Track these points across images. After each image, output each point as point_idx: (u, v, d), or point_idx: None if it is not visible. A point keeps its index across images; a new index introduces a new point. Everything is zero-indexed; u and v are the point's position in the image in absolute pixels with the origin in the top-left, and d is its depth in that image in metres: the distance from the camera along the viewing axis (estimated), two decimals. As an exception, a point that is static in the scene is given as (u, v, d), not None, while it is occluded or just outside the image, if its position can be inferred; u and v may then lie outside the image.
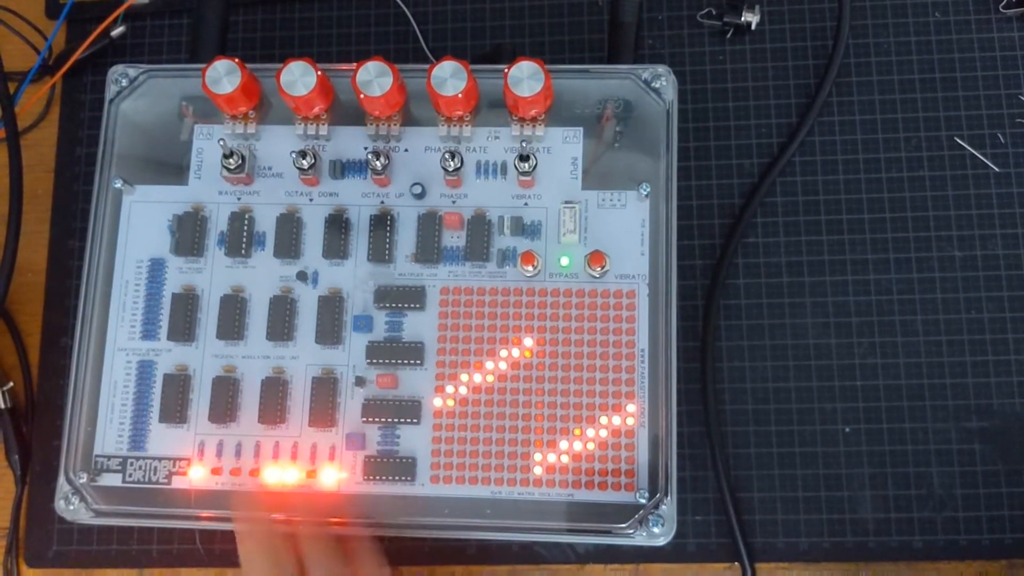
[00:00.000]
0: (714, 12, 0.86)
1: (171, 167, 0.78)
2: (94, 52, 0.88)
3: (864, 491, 0.79)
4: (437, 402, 0.74)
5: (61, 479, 0.74)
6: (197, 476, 0.74)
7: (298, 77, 0.73)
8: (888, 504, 0.79)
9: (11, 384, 0.85)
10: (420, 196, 0.77)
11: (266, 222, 0.77)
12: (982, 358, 0.81)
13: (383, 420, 0.74)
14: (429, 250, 0.76)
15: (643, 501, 0.72)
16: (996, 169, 0.84)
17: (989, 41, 0.86)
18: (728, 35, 0.87)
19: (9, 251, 0.79)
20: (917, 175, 0.84)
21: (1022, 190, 0.83)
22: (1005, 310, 0.81)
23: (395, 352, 0.75)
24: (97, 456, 0.74)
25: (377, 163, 0.75)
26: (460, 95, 0.73)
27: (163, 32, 0.91)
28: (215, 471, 0.74)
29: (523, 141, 0.77)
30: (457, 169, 0.75)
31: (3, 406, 0.84)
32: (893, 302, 0.82)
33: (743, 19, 0.85)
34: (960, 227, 0.83)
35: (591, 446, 0.73)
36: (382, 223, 0.76)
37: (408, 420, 0.74)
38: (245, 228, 0.76)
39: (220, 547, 0.81)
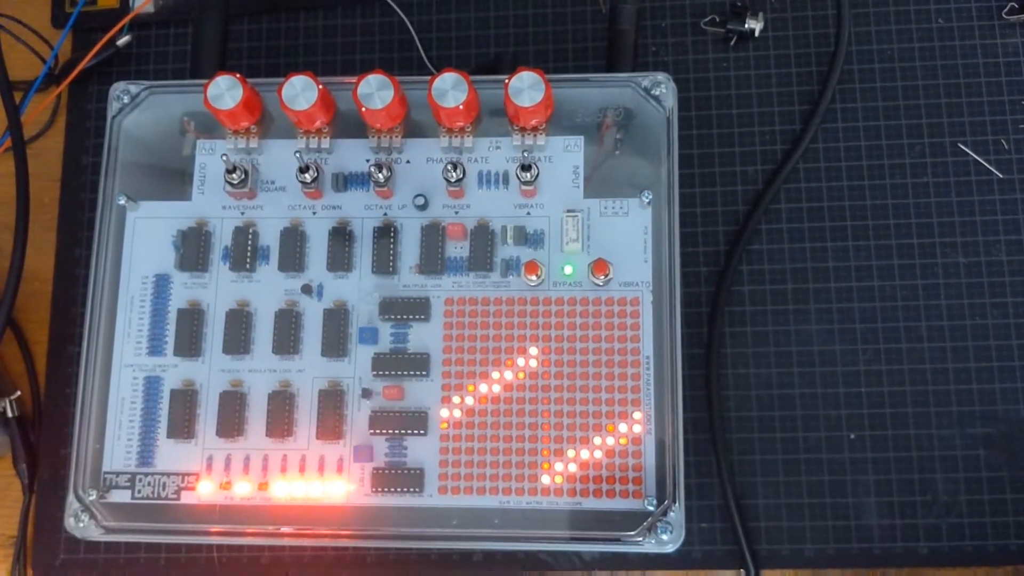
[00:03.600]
0: (717, 19, 0.86)
1: (175, 182, 0.78)
2: (100, 61, 0.88)
3: (869, 497, 0.80)
4: (444, 413, 0.74)
5: (70, 496, 0.74)
6: (206, 491, 0.74)
7: (300, 91, 0.73)
8: (893, 510, 0.79)
9: (18, 393, 0.85)
10: (423, 207, 0.77)
11: (270, 236, 0.77)
12: (986, 364, 0.81)
13: (390, 432, 0.74)
14: (433, 261, 0.76)
15: (651, 508, 0.72)
16: (1000, 175, 0.83)
17: (992, 47, 0.85)
18: (732, 42, 0.87)
19: (16, 260, 0.79)
20: (921, 181, 0.84)
21: (1026, 195, 0.84)
22: (1009, 316, 0.81)
23: (401, 363, 0.75)
24: (106, 473, 0.75)
25: (379, 175, 0.75)
26: (461, 106, 0.73)
27: (168, 41, 0.91)
28: (224, 486, 0.74)
29: (524, 151, 0.76)
30: (459, 180, 0.75)
31: (11, 415, 0.84)
32: (898, 308, 0.82)
33: (746, 26, 0.85)
34: (964, 233, 0.83)
35: (598, 454, 0.73)
36: (385, 235, 0.76)
37: (415, 431, 0.74)
38: (249, 242, 0.76)
39: (228, 555, 0.82)
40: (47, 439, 0.85)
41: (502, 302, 0.76)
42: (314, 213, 0.77)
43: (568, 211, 0.76)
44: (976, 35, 0.86)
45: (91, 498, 0.74)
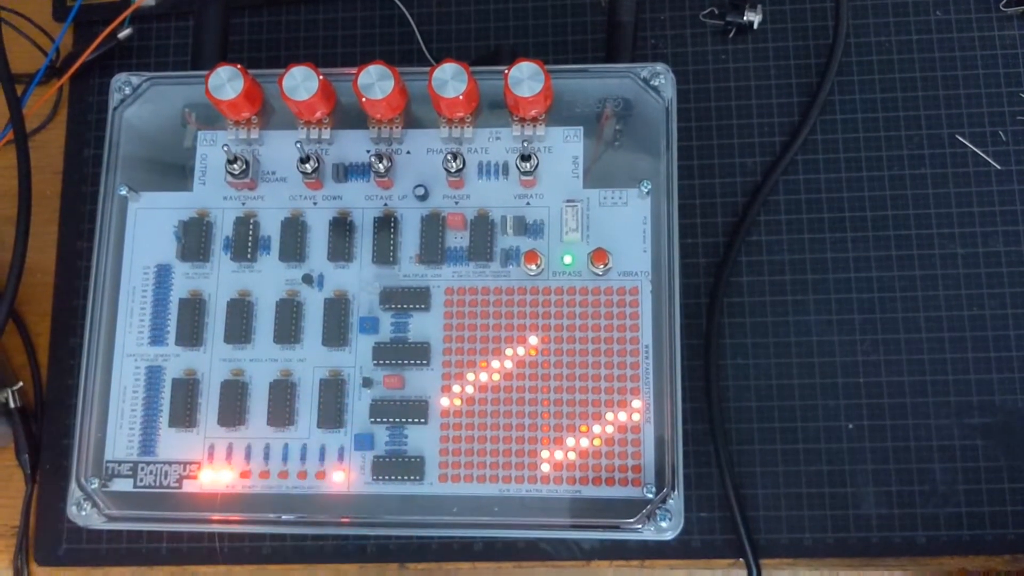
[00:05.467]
0: (716, 11, 0.87)
1: (176, 173, 0.79)
2: (101, 54, 0.88)
3: (867, 487, 0.80)
4: (444, 402, 0.75)
5: (73, 485, 0.74)
6: (208, 479, 0.74)
7: (300, 82, 0.73)
8: (891, 500, 0.80)
9: (20, 384, 0.86)
10: (423, 198, 0.77)
11: (271, 226, 0.77)
12: (984, 354, 0.81)
13: (391, 420, 0.74)
14: (433, 251, 0.76)
15: (650, 496, 0.72)
16: (997, 167, 0.84)
17: (990, 39, 0.86)
18: (730, 34, 0.87)
19: (18, 252, 0.79)
20: (919, 173, 0.84)
21: (1023, 187, 0.84)
22: (1007, 306, 0.82)
23: (401, 353, 0.75)
24: (108, 462, 0.75)
25: (380, 166, 0.76)
26: (461, 97, 0.73)
27: (169, 34, 0.92)
28: (225, 474, 0.74)
29: (524, 141, 0.77)
30: (459, 170, 0.75)
31: (13, 405, 0.85)
32: (896, 299, 0.82)
33: (745, 18, 0.85)
34: (962, 224, 0.83)
35: (597, 442, 0.73)
36: (386, 225, 0.77)
37: (415, 420, 0.74)
38: (250, 232, 0.77)
39: (230, 545, 0.82)
40: (49, 430, 0.85)
41: (502, 292, 0.76)
42: (315, 204, 0.78)
43: (568, 201, 0.77)
44: (974, 27, 0.86)
45: (93, 487, 0.74)
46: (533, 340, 0.75)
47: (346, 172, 0.78)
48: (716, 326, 0.82)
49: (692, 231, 0.84)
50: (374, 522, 0.74)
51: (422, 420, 0.74)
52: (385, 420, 0.74)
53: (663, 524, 0.72)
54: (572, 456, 0.73)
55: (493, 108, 0.78)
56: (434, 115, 0.77)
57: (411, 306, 0.76)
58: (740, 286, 0.84)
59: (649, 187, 0.76)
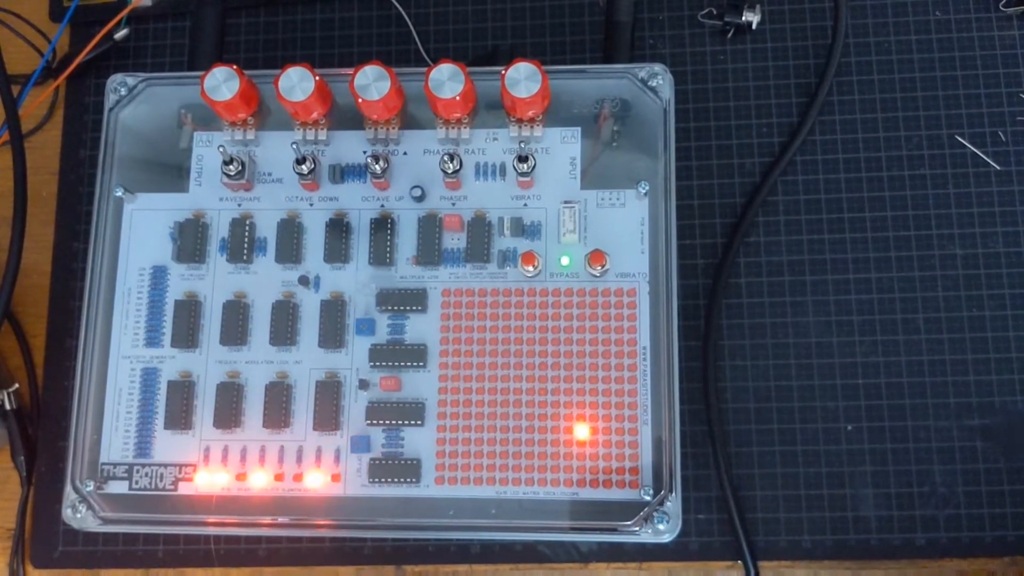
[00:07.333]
0: (715, 12, 0.87)
1: (172, 174, 0.79)
2: (98, 55, 0.88)
3: (866, 489, 0.80)
4: (441, 404, 0.74)
5: (68, 488, 0.74)
6: (203, 482, 0.74)
7: (296, 83, 0.73)
8: (890, 502, 0.79)
9: (16, 386, 0.85)
10: (420, 199, 0.77)
11: (267, 228, 0.77)
12: (984, 356, 0.81)
13: (387, 422, 0.74)
14: (430, 252, 0.76)
15: (648, 498, 0.72)
16: (997, 167, 0.83)
17: (990, 39, 0.85)
18: (729, 35, 0.87)
19: (14, 253, 0.79)
20: (918, 173, 0.84)
21: (1023, 188, 0.83)
22: (1007, 307, 0.81)
23: (398, 355, 0.75)
24: (103, 464, 0.75)
25: (376, 167, 0.75)
26: (458, 97, 0.73)
27: (166, 35, 0.91)
28: (221, 477, 0.74)
29: (521, 142, 0.77)
30: (456, 171, 0.75)
31: (8, 407, 0.84)
32: (895, 300, 0.82)
33: (744, 19, 0.85)
34: (961, 225, 0.83)
35: (595, 445, 0.73)
36: (383, 226, 0.76)
37: (412, 422, 0.74)
38: (246, 234, 0.77)
39: (226, 547, 0.82)
40: (45, 432, 0.85)
41: (499, 293, 0.76)
42: (311, 205, 0.77)
43: (565, 202, 0.76)
44: (973, 27, 0.86)
45: (89, 489, 0.74)
46: (531, 342, 0.75)
47: (342, 173, 0.78)
48: (714, 327, 0.82)
49: (690, 232, 0.84)
50: (371, 524, 0.74)
51: (419, 422, 0.74)
52: (381, 422, 0.74)
53: (661, 526, 0.72)
54: (569, 458, 0.73)
55: (490, 109, 0.78)
56: (431, 116, 0.77)
57: (408, 308, 0.76)
58: (738, 287, 0.83)
59: (647, 188, 0.76)
